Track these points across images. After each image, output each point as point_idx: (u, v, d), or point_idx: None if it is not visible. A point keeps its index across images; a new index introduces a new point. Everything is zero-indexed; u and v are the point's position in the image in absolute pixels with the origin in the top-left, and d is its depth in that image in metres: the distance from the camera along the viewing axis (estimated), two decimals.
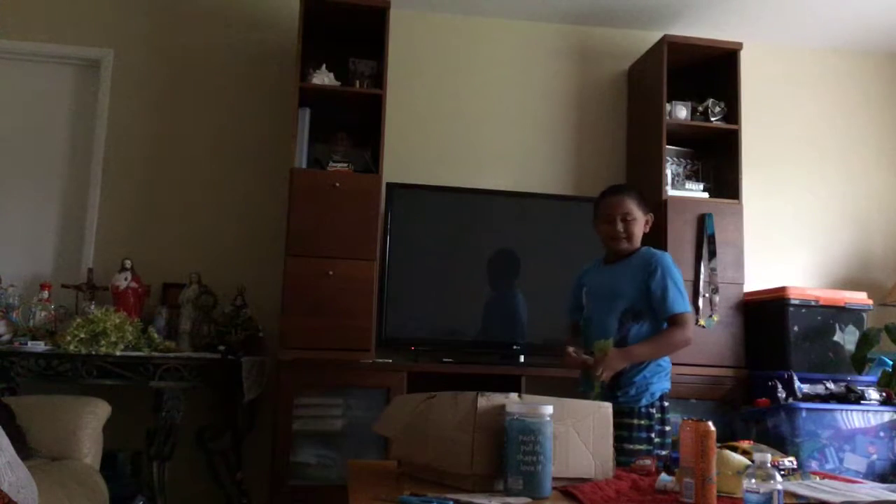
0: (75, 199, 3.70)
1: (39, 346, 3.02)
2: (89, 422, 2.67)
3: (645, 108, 3.91)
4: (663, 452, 2.32)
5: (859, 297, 3.60)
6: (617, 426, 2.13)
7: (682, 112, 3.77)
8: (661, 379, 2.43)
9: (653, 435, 2.37)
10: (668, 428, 2.43)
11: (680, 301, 2.40)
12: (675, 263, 2.48)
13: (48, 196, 3.72)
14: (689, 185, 3.83)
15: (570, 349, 2.43)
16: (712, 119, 3.78)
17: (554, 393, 1.99)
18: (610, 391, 2.37)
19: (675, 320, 2.40)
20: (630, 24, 4.11)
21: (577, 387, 2.56)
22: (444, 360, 3.50)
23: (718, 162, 3.94)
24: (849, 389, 3.28)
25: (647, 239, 3.57)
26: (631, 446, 2.29)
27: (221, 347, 3.19)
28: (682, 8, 3.93)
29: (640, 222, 2.51)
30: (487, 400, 1.63)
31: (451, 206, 3.64)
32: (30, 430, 2.47)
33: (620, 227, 2.48)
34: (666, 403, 2.44)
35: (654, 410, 2.39)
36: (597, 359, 2.36)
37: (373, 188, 3.40)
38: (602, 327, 2.46)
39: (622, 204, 2.50)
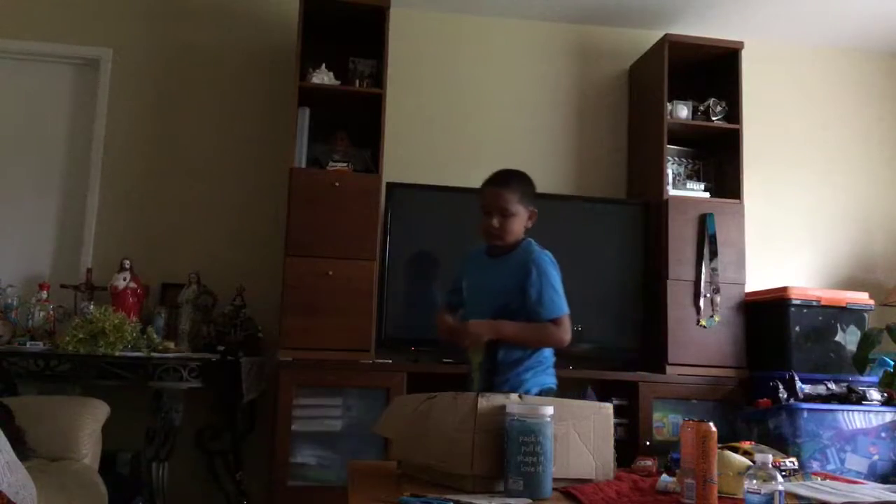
0: (74, 198, 3.69)
1: (38, 347, 3.02)
2: (88, 422, 2.67)
3: (646, 107, 3.91)
4: None
5: (861, 298, 3.59)
6: None
7: (683, 111, 3.76)
8: (537, 374, 2.27)
9: None
10: None
11: (558, 304, 2.25)
12: (554, 262, 2.32)
13: (47, 195, 3.71)
14: (690, 184, 3.82)
15: (447, 316, 2.32)
16: (713, 118, 3.78)
17: (555, 394, 1.98)
18: (487, 388, 2.20)
19: (554, 322, 2.25)
20: (631, 23, 4.10)
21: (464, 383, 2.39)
22: (444, 360, 3.49)
23: (720, 161, 3.93)
24: (850, 390, 3.27)
25: (647, 237, 3.56)
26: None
27: (221, 348, 3.18)
28: (683, 7, 3.92)
29: (521, 218, 2.30)
30: (488, 400, 1.62)
31: (451, 206, 3.62)
32: (29, 430, 2.47)
33: (496, 222, 2.28)
34: None
35: None
36: (461, 327, 2.23)
37: (373, 188, 3.39)
38: None
39: (501, 198, 2.28)
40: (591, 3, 3.93)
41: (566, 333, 2.24)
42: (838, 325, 3.52)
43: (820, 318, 3.50)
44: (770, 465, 1.40)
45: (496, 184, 2.33)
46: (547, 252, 2.32)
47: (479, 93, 4.02)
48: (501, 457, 1.57)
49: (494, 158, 3.93)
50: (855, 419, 3.21)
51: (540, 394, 2.22)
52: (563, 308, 2.25)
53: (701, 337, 3.52)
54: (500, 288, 2.28)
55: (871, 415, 3.23)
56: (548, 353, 2.32)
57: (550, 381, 2.30)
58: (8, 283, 3.35)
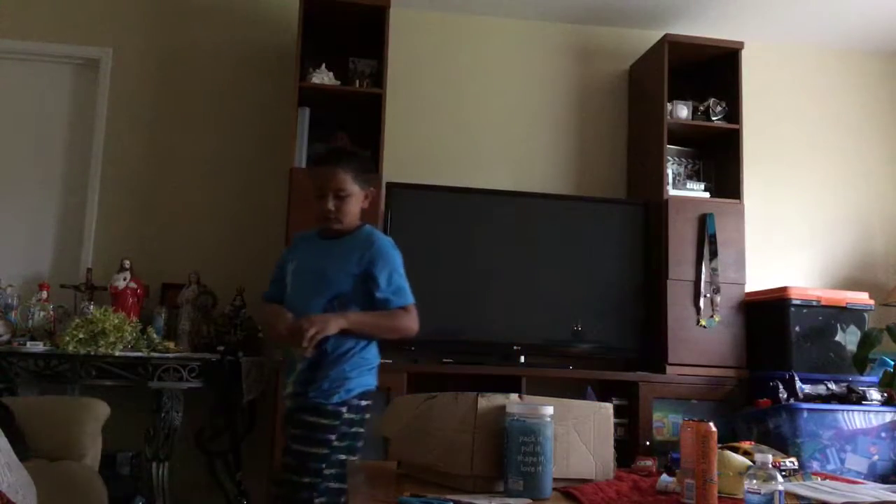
0: (74, 198, 3.69)
1: (38, 347, 3.01)
2: (88, 422, 2.67)
3: (646, 107, 3.91)
4: (341, 457, 2.02)
5: (861, 298, 3.59)
6: (297, 424, 2.02)
7: (683, 111, 3.76)
8: (362, 374, 2.10)
9: (333, 437, 2.01)
10: (359, 430, 2.10)
11: (407, 292, 2.14)
12: (397, 248, 2.18)
13: (47, 195, 3.71)
14: (690, 184, 3.82)
15: (288, 313, 2.06)
16: (713, 118, 3.78)
17: (555, 394, 1.99)
18: (303, 387, 2.05)
19: (403, 310, 2.14)
20: (631, 23, 4.10)
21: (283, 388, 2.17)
22: (444, 360, 3.49)
23: (719, 161, 3.93)
24: (850, 390, 3.27)
25: (647, 237, 3.53)
26: (305, 448, 1.98)
27: (221, 348, 3.18)
28: (683, 7, 3.92)
29: (357, 198, 2.15)
30: (488, 400, 1.62)
31: (451, 206, 3.63)
32: (29, 430, 2.47)
33: (332, 204, 2.10)
34: (365, 402, 2.11)
35: (344, 409, 2.03)
36: (306, 320, 1.98)
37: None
38: (304, 315, 2.04)
39: (335, 178, 2.10)
40: (591, 3, 3.93)
41: (415, 322, 2.14)
42: (838, 325, 3.52)
43: (820, 318, 3.50)
44: (770, 465, 1.41)
45: (328, 163, 2.14)
46: (389, 238, 2.21)
47: (479, 93, 4.02)
48: (501, 457, 1.57)
49: (494, 159, 3.97)
50: (855, 419, 3.21)
51: (362, 395, 2.10)
52: (411, 296, 2.15)
53: (701, 337, 3.52)
54: (335, 272, 2.10)
55: (871, 415, 3.23)
56: (374, 353, 2.17)
57: (373, 382, 2.15)
58: (8, 283, 3.35)
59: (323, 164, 2.15)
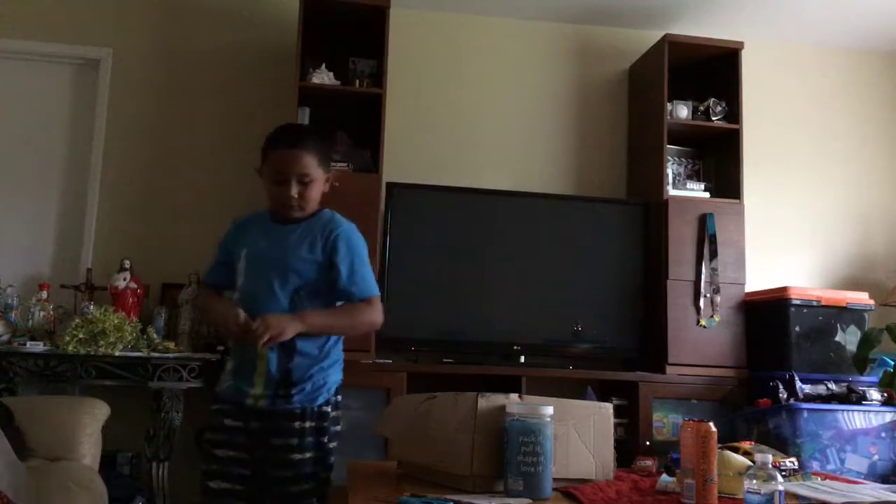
0: (74, 198, 3.69)
1: (38, 347, 3.02)
2: (88, 422, 2.67)
3: (646, 107, 3.91)
4: (334, 458, 1.94)
5: (861, 298, 3.59)
6: (286, 433, 1.85)
7: (683, 111, 3.76)
8: (337, 370, 1.97)
9: (325, 439, 1.90)
10: (339, 428, 1.99)
11: (371, 282, 1.97)
12: (361, 236, 2.02)
13: (47, 196, 3.71)
14: (690, 184, 3.82)
15: (241, 311, 1.82)
16: (713, 118, 3.78)
17: (555, 394, 1.99)
18: (283, 389, 1.87)
19: (366, 302, 1.96)
20: (631, 23, 4.10)
21: (232, 386, 1.94)
22: (445, 360, 3.49)
23: (719, 161, 3.93)
24: (850, 390, 3.27)
25: (647, 237, 3.51)
26: (301, 456, 1.86)
27: (221, 348, 3.18)
28: (683, 7, 3.92)
29: (320, 183, 1.96)
30: (488, 400, 1.62)
31: (451, 206, 3.63)
32: (28, 430, 2.47)
33: (295, 191, 1.90)
34: (339, 397, 1.98)
35: (328, 408, 1.91)
36: (262, 323, 1.77)
37: (373, 188, 3.40)
38: (268, 310, 1.84)
39: (299, 161, 1.89)
40: (591, 3, 3.93)
41: (379, 314, 1.97)
42: (838, 325, 3.52)
43: (820, 318, 3.50)
44: (770, 465, 1.41)
45: (291, 145, 1.92)
46: (351, 223, 2.02)
47: (479, 93, 4.02)
48: (501, 457, 1.57)
49: (494, 159, 3.97)
50: (855, 419, 3.21)
51: (338, 391, 1.97)
52: (375, 287, 1.98)
53: (701, 337, 3.52)
54: (296, 261, 1.91)
55: (871, 415, 3.23)
56: (341, 347, 2.01)
57: (341, 375, 2.00)
58: (8, 283, 3.35)
59: (285, 146, 1.92)
